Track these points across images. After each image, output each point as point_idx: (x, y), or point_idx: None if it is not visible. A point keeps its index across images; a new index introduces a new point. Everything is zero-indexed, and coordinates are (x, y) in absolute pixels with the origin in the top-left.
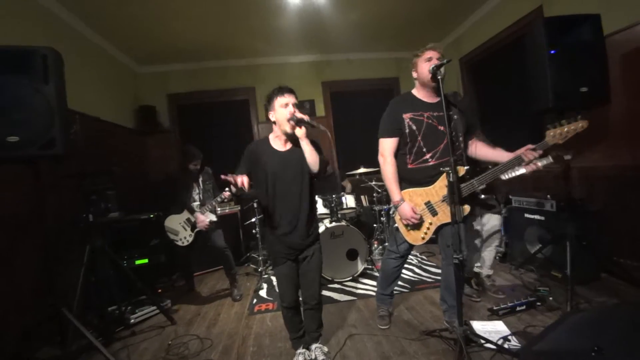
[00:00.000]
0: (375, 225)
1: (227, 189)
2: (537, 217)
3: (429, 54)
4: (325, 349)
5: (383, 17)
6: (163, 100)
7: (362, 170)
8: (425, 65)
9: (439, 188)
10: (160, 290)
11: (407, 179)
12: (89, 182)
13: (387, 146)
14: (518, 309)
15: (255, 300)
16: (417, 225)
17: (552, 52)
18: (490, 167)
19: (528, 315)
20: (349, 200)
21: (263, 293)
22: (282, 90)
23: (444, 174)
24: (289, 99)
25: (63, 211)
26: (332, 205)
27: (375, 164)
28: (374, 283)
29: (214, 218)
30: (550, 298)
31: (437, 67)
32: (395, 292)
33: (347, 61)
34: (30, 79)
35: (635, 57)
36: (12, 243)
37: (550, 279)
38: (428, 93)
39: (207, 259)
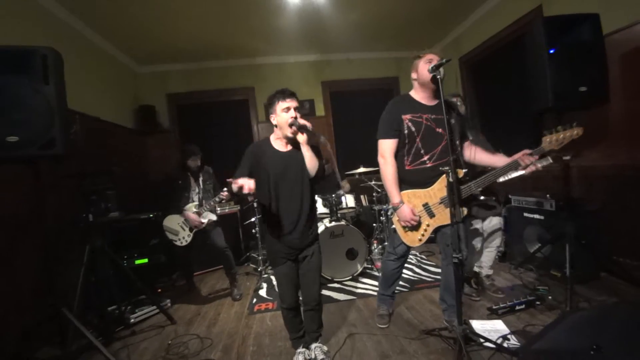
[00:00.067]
0: (374, 224)
1: (225, 189)
2: (536, 216)
3: (430, 56)
4: (325, 348)
5: (383, 16)
6: (163, 100)
7: (361, 169)
8: (425, 66)
9: (437, 190)
10: (160, 290)
11: (405, 180)
12: (89, 182)
13: (387, 147)
14: (517, 308)
15: (255, 300)
16: (414, 227)
17: (552, 51)
18: (488, 169)
19: (527, 315)
20: (348, 200)
21: (263, 292)
22: (284, 94)
23: (442, 177)
24: (290, 103)
25: (63, 211)
26: (332, 204)
27: (375, 163)
28: (374, 282)
29: (214, 217)
30: (550, 297)
31: (437, 67)
32: (395, 291)
33: (347, 61)
34: (30, 79)
35: (635, 56)
36: (12, 243)
37: (550, 278)
38: (426, 95)
39: (207, 258)
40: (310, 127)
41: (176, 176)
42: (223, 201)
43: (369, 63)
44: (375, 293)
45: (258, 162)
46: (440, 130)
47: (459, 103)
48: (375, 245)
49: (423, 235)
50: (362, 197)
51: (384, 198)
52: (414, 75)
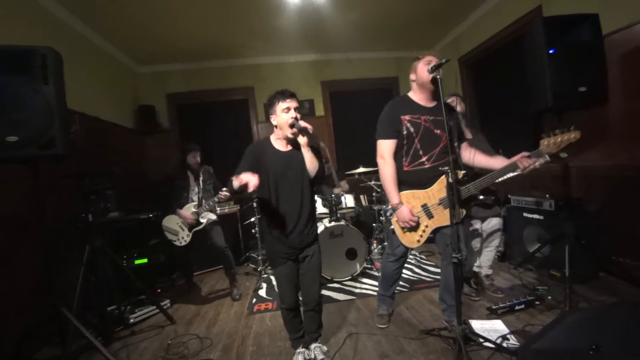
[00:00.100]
0: (374, 224)
1: (224, 189)
2: (535, 216)
3: (429, 58)
4: (325, 348)
5: (383, 16)
6: (162, 100)
7: (361, 169)
8: (425, 67)
9: (436, 191)
10: (159, 290)
11: (404, 181)
12: (88, 182)
13: (386, 148)
14: (517, 308)
15: (254, 300)
16: (413, 228)
17: (551, 51)
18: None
19: (527, 314)
20: (348, 200)
21: (262, 292)
22: (284, 94)
23: (441, 177)
24: (290, 103)
25: (63, 211)
26: (332, 204)
27: (375, 163)
28: (373, 282)
29: (213, 217)
30: (549, 297)
31: (436, 67)
32: (395, 292)
33: (347, 61)
34: (30, 78)
35: (634, 56)
36: (12, 243)
37: (549, 278)
38: (425, 96)
39: (207, 258)
40: (311, 129)
41: (176, 176)
42: (222, 201)
43: (368, 63)
44: (374, 293)
45: (258, 161)
46: (438, 131)
47: (457, 102)
48: (374, 245)
49: (421, 236)
50: (361, 197)
51: (384, 198)
52: (412, 77)
